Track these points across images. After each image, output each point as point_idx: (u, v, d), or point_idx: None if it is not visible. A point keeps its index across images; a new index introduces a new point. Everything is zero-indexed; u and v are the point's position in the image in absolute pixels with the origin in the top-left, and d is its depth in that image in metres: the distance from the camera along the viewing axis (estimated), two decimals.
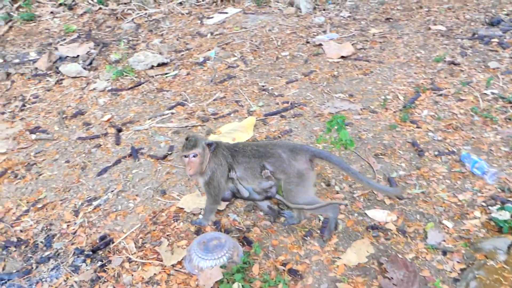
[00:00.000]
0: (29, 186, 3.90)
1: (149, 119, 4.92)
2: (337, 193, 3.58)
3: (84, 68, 6.43)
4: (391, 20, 7.38)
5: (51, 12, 8.94)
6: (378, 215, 3.26)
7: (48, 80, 6.23)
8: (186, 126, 4.68)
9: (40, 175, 4.07)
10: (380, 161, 3.92)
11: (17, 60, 6.86)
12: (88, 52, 7.03)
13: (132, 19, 8.19)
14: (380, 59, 5.96)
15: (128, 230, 3.31)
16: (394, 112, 4.68)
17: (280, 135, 4.40)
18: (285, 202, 3.03)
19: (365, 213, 3.31)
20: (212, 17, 7.90)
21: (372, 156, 3.97)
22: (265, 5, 8.33)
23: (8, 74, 6.42)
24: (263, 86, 5.44)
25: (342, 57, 5.98)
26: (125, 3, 8.88)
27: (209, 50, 6.59)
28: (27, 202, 3.69)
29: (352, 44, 6.34)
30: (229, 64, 6.13)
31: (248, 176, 2.99)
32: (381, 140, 4.21)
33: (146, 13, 8.30)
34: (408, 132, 4.30)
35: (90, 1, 9.16)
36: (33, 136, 4.75)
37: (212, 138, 4.36)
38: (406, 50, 6.16)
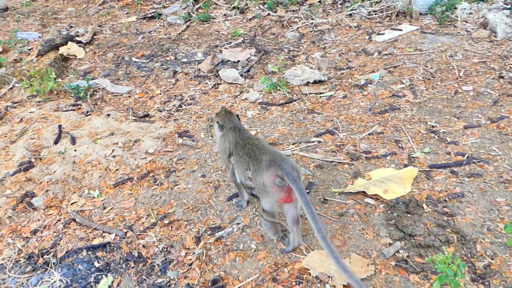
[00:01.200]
0: (163, 196, 3.86)
1: (293, 144, 4.49)
2: None
3: (241, 75, 6.39)
4: None
5: (224, 15, 9.33)
6: None
7: (206, 83, 6.37)
8: (332, 162, 4.10)
9: (176, 185, 4.01)
10: None
11: (185, 60, 7.24)
12: (248, 58, 7.01)
13: (297, 28, 7.92)
14: None
15: (244, 279, 2.92)
16: None
17: (446, 198, 3.47)
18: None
19: None
20: (382, 34, 7.08)
21: None
22: (449, 25, 7.11)
23: (175, 72, 6.80)
24: (432, 126, 4.48)
25: None
26: (293, 11, 8.70)
27: (373, 71, 5.84)
28: (157, 214, 3.62)
29: None
30: (394, 91, 5.30)
31: (238, 167, 3.22)
32: None
33: (312, 23, 7.94)
34: None
35: (261, 6, 9.27)
36: (180, 140, 4.80)
37: (359, 182, 3.70)
38: None
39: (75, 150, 4.65)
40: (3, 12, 10.76)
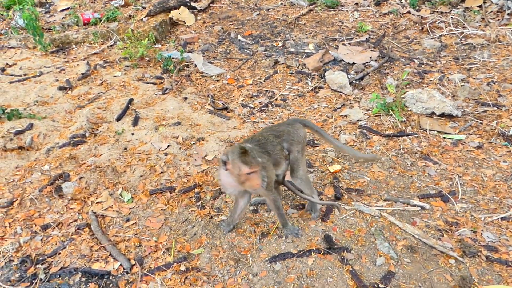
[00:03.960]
0: (197, 226, 3.05)
1: (385, 200, 3.28)
2: None
3: (351, 83, 5.21)
4: None
5: (356, 3, 8.01)
6: None
7: (307, 83, 5.34)
8: (432, 247, 2.83)
9: (218, 214, 3.17)
10: None
11: (293, 49, 6.25)
12: (367, 63, 5.74)
13: (440, 36, 6.31)
14: None
15: None
16: None
17: None
18: (291, 187, 3.00)
19: None
20: None
21: None
22: None
23: (276, 62, 5.88)
24: None
25: None
26: (441, 13, 7.02)
27: None
28: (178, 251, 2.84)
29: None
30: None
31: (278, 162, 2.86)
32: None
33: (461, 33, 6.24)
34: None
35: (403, 1, 7.72)
36: None
37: None
38: None
39: (133, 134, 4.09)
40: None
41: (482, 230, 2.95)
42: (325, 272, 2.66)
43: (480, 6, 6.76)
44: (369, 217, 3.11)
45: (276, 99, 4.97)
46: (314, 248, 2.83)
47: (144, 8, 7.81)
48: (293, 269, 2.69)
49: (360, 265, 2.73)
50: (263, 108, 4.76)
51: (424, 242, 2.87)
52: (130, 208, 3.21)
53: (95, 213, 3.12)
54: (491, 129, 4.08)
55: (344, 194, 3.35)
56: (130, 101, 4.64)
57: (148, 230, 3.02)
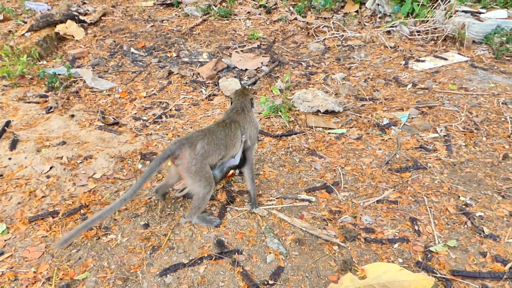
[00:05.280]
0: (83, 249, 2.89)
1: (277, 198, 3.41)
2: None
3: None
4: None
5: (248, 12, 8.28)
6: None
7: (201, 92, 5.36)
8: (318, 237, 3.00)
9: (106, 233, 3.03)
10: None
11: (187, 59, 6.25)
12: (259, 68, 5.95)
13: (324, 39, 6.77)
14: None
15: None
16: None
17: None
18: None
19: None
20: (423, 61, 5.84)
21: None
22: (507, 60, 5.79)
23: (170, 73, 5.83)
24: (466, 205, 3.30)
25: None
26: (325, 18, 7.55)
27: (402, 109, 4.67)
28: (61, 279, 2.66)
29: None
30: (423, 142, 4.12)
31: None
32: None
33: (342, 36, 6.77)
34: None
35: (291, 8, 8.16)
36: (140, 166, 3.83)
37: (347, 282, 2.59)
38: None
39: (10, 159, 3.76)
40: None
41: (361, 214, 3.21)
42: (216, 278, 2.68)
43: (357, 11, 7.41)
44: (259, 216, 3.20)
45: (170, 110, 4.92)
46: (206, 255, 2.83)
47: (26, 22, 7.26)
48: (185, 279, 2.66)
49: (251, 265, 2.79)
50: (156, 120, 4.68)
51: (310, 233, 3.03)
52: (5, 240, 2.93)
53: None
54: (368, 121, 4.46)
55: (236, 197, 3.41)
56: (7, 123, 4.26)
57: (26, 261, 2.78)
